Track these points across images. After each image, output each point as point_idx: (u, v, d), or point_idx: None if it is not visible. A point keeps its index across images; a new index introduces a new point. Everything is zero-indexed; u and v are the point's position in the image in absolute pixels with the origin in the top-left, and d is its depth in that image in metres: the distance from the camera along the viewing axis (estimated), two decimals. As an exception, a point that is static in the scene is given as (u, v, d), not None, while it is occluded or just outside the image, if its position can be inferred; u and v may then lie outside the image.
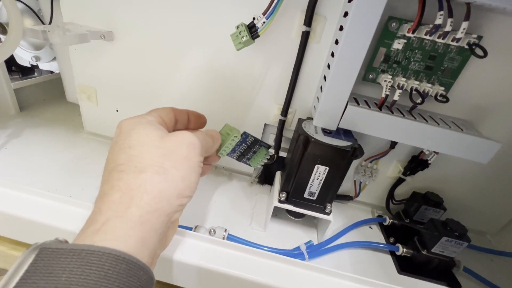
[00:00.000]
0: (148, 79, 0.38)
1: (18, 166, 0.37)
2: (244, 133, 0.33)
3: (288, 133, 0.38)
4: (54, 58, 0.50)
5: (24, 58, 0.49)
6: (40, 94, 0.53)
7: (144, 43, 0.36)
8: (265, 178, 0.43)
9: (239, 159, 0.35)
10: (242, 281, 0.26)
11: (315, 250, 0.33)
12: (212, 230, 0.31)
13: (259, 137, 0.40)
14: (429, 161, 0.35)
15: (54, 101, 0.53)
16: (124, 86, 0.39)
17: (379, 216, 0.41)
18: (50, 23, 0.40)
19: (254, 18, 0.29)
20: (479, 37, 0.28)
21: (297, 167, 0.31)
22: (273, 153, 0.38)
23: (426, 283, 0.31)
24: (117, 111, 0.42)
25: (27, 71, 0.60)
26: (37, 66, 0.52)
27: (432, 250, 0.32)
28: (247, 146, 0.34)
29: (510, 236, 0.42)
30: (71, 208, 0.28)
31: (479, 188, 0.39)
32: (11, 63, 0.54)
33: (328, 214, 0.32)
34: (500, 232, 0.44)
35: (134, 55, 0.37)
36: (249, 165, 0.35)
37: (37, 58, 0.49)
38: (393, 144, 0.36)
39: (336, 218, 0.40)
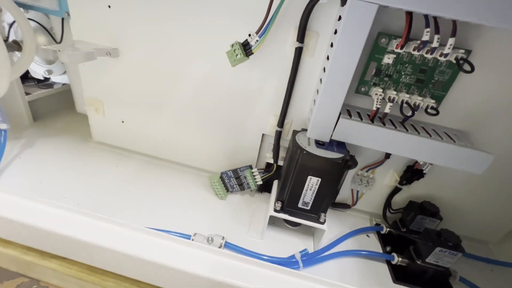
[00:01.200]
0: (151, 92, 0.40)
1: (31, 175, 0.39)
2: (222, 173, 0.40)
3: (286, 143, 0.39)
4: (65, 72, 0.52)
5: (38, 72, 0.53)
6: (52, 105, 0.56)
7: (147, 59, 0.38)
8: (264, 186, 0.44)
9: (241, 189, 0.41)
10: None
11: (310, 259, 0.34)
12: (210, 238, 0.33)
13: (257, 148, 0.41)
14: (424, 171, 0.36)
15: (65, 112, 0.56)
16: (128, 98, 0.42)
17: (376, 224, 0.41)
18: (61, 40, 0.43)
19: (249, 35, 0.31)
20: (468, 51, 0.28)
21: (291, 178, 0.32)
22: (268, 163, 0.40)
23: (420, 293, 0.31)
24: (122, 122, 0.44)
25: (42, 79, 0.63)
26: (50, 78, 0.55)
27: (427, 260, 0.32)
28: (235, 177, 0.40)
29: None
30: (78, 216, 0.30)
31: (477, 197, 0.39)
32: (26, 72, 0.57)
33: (322, 223, 0.33)
34: (501, 242, 0.43)
35: (138, 70, 0.39)
36: (251, 187, 0.40)
37: (50, 72, 0.52)
38: (388, 154, 0.36)
39: (334, 226, 0.40)
